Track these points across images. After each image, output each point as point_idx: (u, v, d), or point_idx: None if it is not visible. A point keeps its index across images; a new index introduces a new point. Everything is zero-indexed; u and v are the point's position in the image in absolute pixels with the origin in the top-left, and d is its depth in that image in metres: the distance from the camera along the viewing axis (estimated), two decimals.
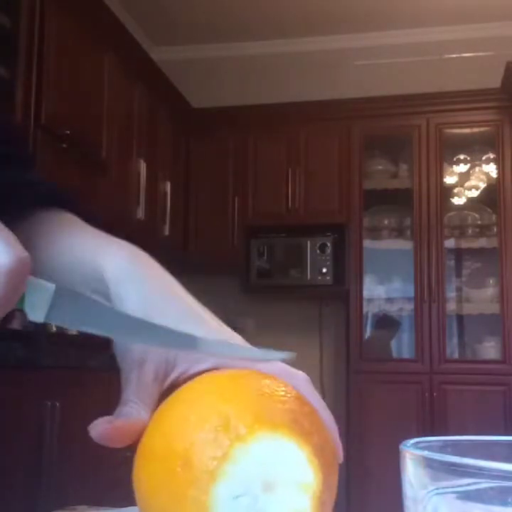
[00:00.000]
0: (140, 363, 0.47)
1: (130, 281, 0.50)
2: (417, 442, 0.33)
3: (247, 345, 0.48)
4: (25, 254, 0.37)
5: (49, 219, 0.63)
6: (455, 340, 4.01)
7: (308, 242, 3.94)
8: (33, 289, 0.38)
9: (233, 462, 0.36)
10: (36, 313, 0.38)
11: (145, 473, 0.40)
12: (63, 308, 0.38)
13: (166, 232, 3.84)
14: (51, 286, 0.39)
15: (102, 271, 0.52)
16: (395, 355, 4.06)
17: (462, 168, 4.02)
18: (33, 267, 0.50)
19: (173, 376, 0.47)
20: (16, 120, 2.35)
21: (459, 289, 3.99)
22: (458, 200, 4.03)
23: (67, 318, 0.39)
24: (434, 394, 3.66)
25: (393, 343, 4.04)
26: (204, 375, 0.45)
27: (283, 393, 0.41)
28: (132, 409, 0.44)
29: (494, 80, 3.72)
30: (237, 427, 0.37)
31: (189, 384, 0.43)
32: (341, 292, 3.91)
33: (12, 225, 0.60)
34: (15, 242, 0.37)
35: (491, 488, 0.28)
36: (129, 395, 0.46)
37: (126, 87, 3.35)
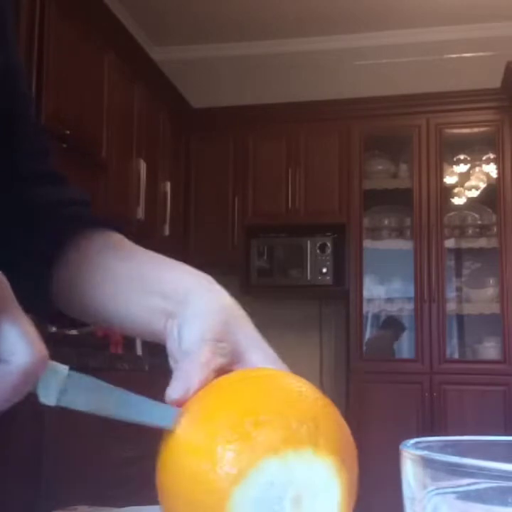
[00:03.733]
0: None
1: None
2: (417, 442, 0.33)
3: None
4: (44, 352, 0.38)
5: (98, 243, 0.64)
6: (455, 340, 4.01)
7: (308, 242, 3.94)
8: (46, 372, 0.39)
9: (258, 470, 0.36)
10: (48, 396, 0.39)
11: (170, 471, 0.40)
12: (75, 392, 0.40)
13: (166, 232, 3.84)
14: (64, 371, 0.40)
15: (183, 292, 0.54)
16: (395, 355, 4.06)
17: (462, 168, 4.02)
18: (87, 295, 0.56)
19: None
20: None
21: (459, 289, 3.99)
22: (458, 200, 4.03)
23: (79, 402, 0.40)
24: (434, 394, 3.66)
25: (393, 344, 4.04)
26: (240, 373, 0.45)
27: (317, 402, 0.41)
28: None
29: (494, 80, 3.72)
30: (269, 437, 0.37)
31: (224, 382, 0.43)
32: (341, 292, 3.91)
33: (53, 255, 0.62)
34: (37, 340, 0.38)
35: (491, 488, 0.28)
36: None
37: (126, 87, 3.35)
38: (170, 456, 0.41)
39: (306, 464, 0.37)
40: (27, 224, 0.65)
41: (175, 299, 0.54)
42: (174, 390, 0.45)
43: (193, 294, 0.54)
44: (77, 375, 0.40)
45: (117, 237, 0.65)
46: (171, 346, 0.52)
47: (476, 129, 3.97)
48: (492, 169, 3.92)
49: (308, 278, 3.93)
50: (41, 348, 0.38)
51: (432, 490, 0.30)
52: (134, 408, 0.42)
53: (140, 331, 0.59)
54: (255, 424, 0.37)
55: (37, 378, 0.38)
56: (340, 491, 0.38)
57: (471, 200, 4.01)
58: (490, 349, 3.79)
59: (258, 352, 0.50)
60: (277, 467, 0.37)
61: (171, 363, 0.52)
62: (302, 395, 0.41)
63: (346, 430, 0.42)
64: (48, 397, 0.39)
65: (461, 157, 4.01)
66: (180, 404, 0.44)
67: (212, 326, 0.50)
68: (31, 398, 0.39)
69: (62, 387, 0.39)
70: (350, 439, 0.42)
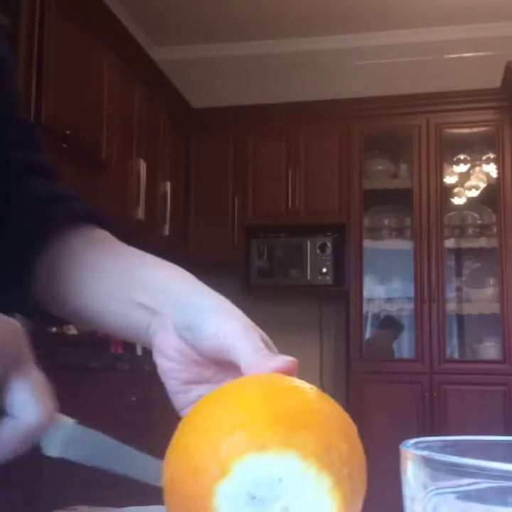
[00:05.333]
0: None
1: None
2: (417, 442, 0.34)
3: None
4: (52, 410, 0.39)
5: (84, 239, 0.63)
6: (455, 340, 4.01)
7: (308, 242, 3.94)
8: (52, 425, 0.40)
9: (247, 464, 0.36)
10: (52, 448, 0.40)
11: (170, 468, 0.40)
12: (78, 445, 0.40)
13: (166, 232, 3.84)
14: (69, 424, 0.40)
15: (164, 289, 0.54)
16: (395, 355, 4.06)
17: (462, 168, 4.02)
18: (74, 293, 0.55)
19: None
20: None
21: (459, 289, 3.99)
22: (458, 200, 4.03)
23: (82, 456, 0.41)
24: (434, 394, 3.66)
25: (393, 344, 4.04)
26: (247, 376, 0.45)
27: (325, 409, 0.40)
28: None
29: (494, 80, 3.72)
30: (259, 435, 0.36)
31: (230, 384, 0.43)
32: (341, 292, 3.91)
33: (39, 248, 0.61)
34: (46, 398, 0.39)
35: (491, 488, 0.28)
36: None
37: (126, 87, 3.35)
38: (173, 454, 0.41)
39: (294, 469, 0.36)
40: (13, 216, 0.65)
41: (163, 296, 0.53)
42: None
43: (190, 293, 0.54)
44: (82, 429, 0.41)
45: (104, 235, 0.65)
46: (168, 341, 0.51)
47: (476, 129, 3.97)
48: (492, 169, 3.92)
49: (308, 278, 3.93)
50: (49, 407, 0.39)
51: (432, 490, 0.30)
52: (135, 464, 0.43)
53: (119, 327, 0.57)
54: (245, 423, 0.37)
55: (43, 433, 0.39)
56: (336, 507, 0.36)
57: (471, 200, 4.01)
58: (490, 349, 3.79)
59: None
60: (261, 464, 0.36)
61: (158, 358, 0.52)
62: (306, 401, 0.41)
63: (355, 442, 0.41)
64: (52, 449, 0.40)
65: (461, 157, 4.01)
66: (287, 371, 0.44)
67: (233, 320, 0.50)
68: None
69: (67, 440, 0.40)
70: (359, 451, 0.41)
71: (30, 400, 0.38)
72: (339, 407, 0.42)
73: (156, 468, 0.43)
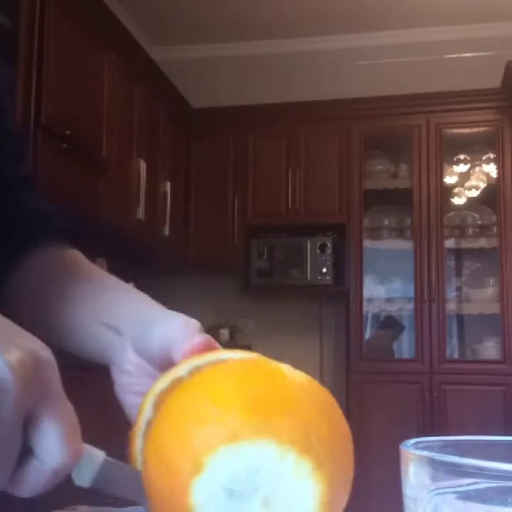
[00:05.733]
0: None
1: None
2: (417, 442, 0.34)
3: None
4: (80, 452, 0.39)
5: (64, 257, 0.66)
6: (455, 340, 4.01)
7: (308, 242, 3.94)
8: (82, 457, 0.40)
9: (220, 457, 0.35)
10: (83, 480, 0.40)
11: (149, 463, 0.39)
12: (108, 478, 0.40)
13: (166, 232, 3.83)
14: (99, 456, 0.40)
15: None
16: (395, 355, 4.06)
17: (462, 168, 4.01)
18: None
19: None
20: (15, 122, 2.35)
21: (459, 289, 3.99)
22: (458, 200, 4.03)
23: (112, 488, 0.41)
24: (434, 394, 3.66)
25: (393, 344, 4.04)
26: (224, 361, 0.44)
27: (303, 392, 0.38)
28: None
29: (494, 80, 3.72)
30: (233, 427, 0.35)
31: (204, 372, 0.42)
32: (341, 292, 3.91)
33: (16, 260, 0.63)
34: (74, 439, 0.38)
35: (491, 488, 0.28)
36: None
37: (126, 87, 3.35)
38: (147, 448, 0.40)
39: (271, 457, 0.35)
40: None
41: (122, 317, 0.57)
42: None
43: (145, 310, 0.57)
44: (111, 462, 0.41)
45: (72, 256, 0.67)
46: (126, 357, 0.54)
47: (476, 129, 3.97)
48: (492, 169, 3.92)
49: (308, 278, 3.93)
50: (77, 448, 0.38)
51: (432, 490, 0.30)
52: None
53: (82, 348, 0.61)
54: (215, 415, 0.36)
55: (67, 474, 0.39)
56: (319, 491, 0.35)
57: (471, 200, 4.01)
58: (490, 349, 3.79)
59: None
60: (236, 456, 0.35)
61: (116, 373, 0.54)
62: (286, 381, 0.39)
63: (338, 423, 0.39)
64: (82, 480, 0.40)
65: (461, 157, 4.00)
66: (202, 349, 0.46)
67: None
68: None
69: (97, 473, 0.40)
70: (342, 432, 0.39)
71: (56, 443, 0.37)
72: (321, 387, 0.40)
73: None
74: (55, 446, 0.37)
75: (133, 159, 3.42)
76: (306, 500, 0.35)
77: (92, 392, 2.24)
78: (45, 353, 0.38)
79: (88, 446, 0.40)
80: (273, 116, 4.06)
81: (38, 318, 0.62)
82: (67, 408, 0.38)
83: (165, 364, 0.49)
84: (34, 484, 0.37)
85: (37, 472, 0.37)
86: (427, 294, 3.77)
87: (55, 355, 0.38)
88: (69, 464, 0.38)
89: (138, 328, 0.54)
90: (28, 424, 0.36)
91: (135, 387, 0.52)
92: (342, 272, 3.89)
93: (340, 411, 0.40)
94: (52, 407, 0.37)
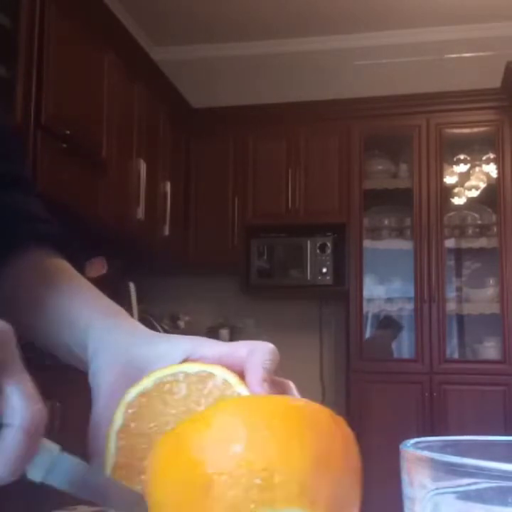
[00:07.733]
0: None
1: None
2: (417, 442, 0.33)
3: None
4: (44, 410, 0.39)
5: (43, 266, 0.65)
6: (455, 340, 4.01)
7: (308, 242, 3.94)
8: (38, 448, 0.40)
9: None
10: (35, 472, 0.39)
11: (161, 490, 0.39)
12: (61, 473, 0.40)
13: (166, 232, 3.83)
14: (54, 450, 0.40)
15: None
16: (395, 355, 4.06)
17: (462, 168, 4.01)
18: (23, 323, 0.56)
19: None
20: (15, 122, 2.35)
21: (459, 289, 3.99)
22: (458, 200, 4.03)
23: (63, 483, 0.40)
24: (434, 394, 3.66)
25: (393, 344, 4.04)
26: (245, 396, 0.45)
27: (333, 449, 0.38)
28: None
29: (494, 80, 3.72)
30: (274, 497, 0.35)
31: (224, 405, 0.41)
32: (341, 292, 3.91)
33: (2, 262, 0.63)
34: (37, 398, 0.39)
35: (491, 488, 0.28)
36: None
37: (126, 87, 3.35)
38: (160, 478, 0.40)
39: None
40: None
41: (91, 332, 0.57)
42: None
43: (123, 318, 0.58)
44: (65, 457, 0.41)
45: (56, 264, 0.65)
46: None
47: (476, 129, 3.97)
48: (492, 169, 3.92)
49: (308, 278, 3.93)
50: (41, 407, 0.39)
51: (432, 490, 0.30)
52: (113, 497, 0.43)
53: (64, 354, 0.62)
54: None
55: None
56: None
57: (471, 200, 4.01)
58: (490, 349, 3.79)
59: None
60: None
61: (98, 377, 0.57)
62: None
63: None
64: (34, 473, 0.39)
65: (461, 157, 4.00)
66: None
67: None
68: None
69: (50, 467, 0.40)
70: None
71: (19, 401, 0.38)
72: (349, 432, 0.40)
73: (137, 502, 0.42)
74: (19, 404, 0.38)
75: (133, 159, 3.42)
76: None
77: (89, 391, 2.23)
78: (1, 323, 0.38)
79: (43, 439, 0.40)
80: (273, 117, 4.06)
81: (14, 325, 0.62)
82: (27, 376, 0.39)
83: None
84: (13, 454, 0.37)
85: (10, 438, 0.37)
86: (427, 294, 3.77)
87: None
88: (36, 422, 0.38)
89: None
90: None
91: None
92: (342, 272, 3.89)
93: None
94: (11, 374, 0.38)
